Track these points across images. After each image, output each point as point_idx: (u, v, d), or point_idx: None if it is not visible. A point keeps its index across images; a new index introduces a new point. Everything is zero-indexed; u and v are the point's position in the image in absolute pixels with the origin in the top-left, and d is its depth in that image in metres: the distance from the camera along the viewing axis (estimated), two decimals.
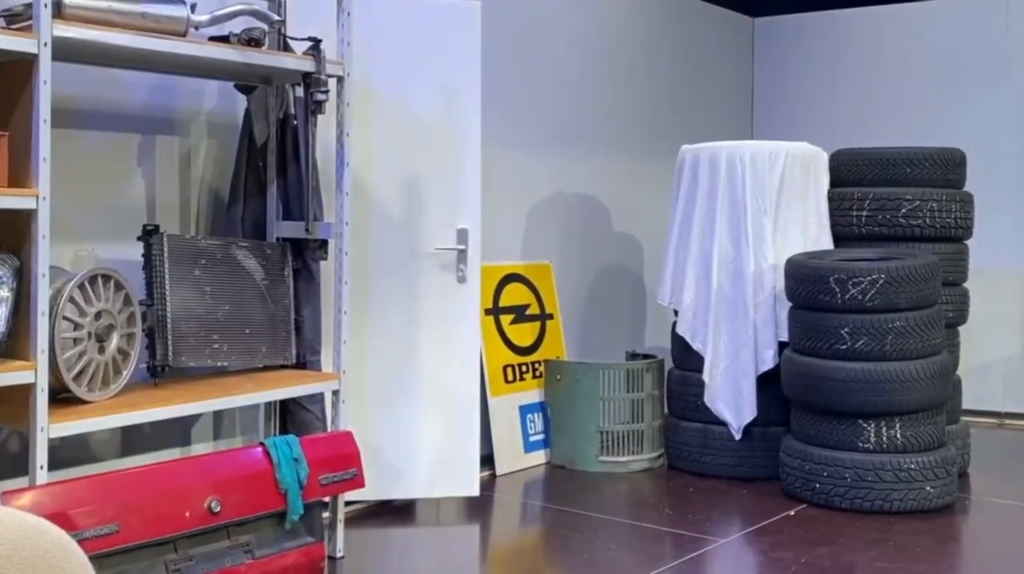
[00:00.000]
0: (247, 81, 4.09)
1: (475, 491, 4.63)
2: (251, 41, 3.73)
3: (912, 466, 4.65)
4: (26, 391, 3.06)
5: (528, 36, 5.79)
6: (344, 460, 3.81)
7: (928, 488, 4.67)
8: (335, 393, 3.99)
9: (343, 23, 3.96)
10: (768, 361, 5.25)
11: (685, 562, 4.06)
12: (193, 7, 3.54)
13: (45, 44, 3.06)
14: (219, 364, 3.87)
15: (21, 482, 3.22)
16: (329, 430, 4.05)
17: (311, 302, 4.19)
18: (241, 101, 4.17)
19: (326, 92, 3.86)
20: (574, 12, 6.18)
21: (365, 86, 4.32)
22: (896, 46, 7.35)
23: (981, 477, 5.36)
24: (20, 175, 3.10)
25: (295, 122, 4.12)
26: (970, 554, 4.41)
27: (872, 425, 4.70)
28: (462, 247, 4.66)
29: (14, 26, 3.15)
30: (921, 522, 4.54)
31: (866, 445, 4.70)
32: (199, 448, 4.14)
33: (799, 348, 4.97)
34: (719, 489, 5.14)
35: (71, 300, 3.26)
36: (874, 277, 4.74)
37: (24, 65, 3.07)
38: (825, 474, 4.74)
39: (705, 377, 5.33)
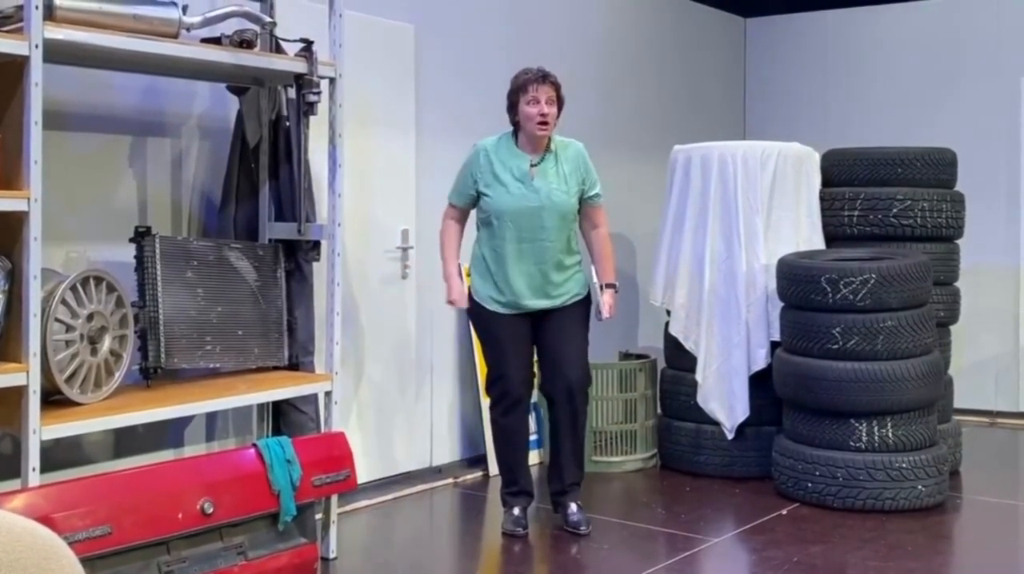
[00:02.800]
0: (239, 83, 4.09)
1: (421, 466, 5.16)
2: (243, 43, 3.73)
3: (904, 465, 4.67)
4: (18, 393, 3.06)
5: (518, 35, 5.80)
6: (337, 461, 3.81)
7: (920, 487, 4.68)
8: (328, 394, 3.99)
9: (335, 24, 3.97)
10: (760, 361, 5.26)
11: (678, 561, 4.07)
12: (185, 9, 3.54)
13: (36, 46, 3.06)
14: (212, 365, 3.87)
15: (13, 484, 3.21)
16: (322, 431, 4.05)
17: (304, 303, 4.19)
18: (233, 103, 4.17)
19: (318, 93, 3.86)
20: (565, 11, 6.19)
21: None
22: (888, 46, 7.37)
23: (973, 476, 5.38)
24: (11, 177, 3.10)
25: (287, 123, 4.12)
26: (962, 552, 4.42)
27: (864, 424, 4.71)
28: (407, 246, 5.10)
29: (5, 28, 3.14)
30: (913, 521, 4.56)
31: (858, 444, 4.72)
32: (192, 449, 4.14)
33: (791, 348, 4.98)
34: (712, 488, 5.15)
35: (63, 302, 3.26)
36: (865, 277, 4.75)
37: (15, 67, 3.07)
38: (817, 473, 4.75)
39: (698, 377, 5.34)
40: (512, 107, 4.29)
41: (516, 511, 4.40)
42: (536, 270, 4.26)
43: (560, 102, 4.29)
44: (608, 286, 4.44)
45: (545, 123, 4.20)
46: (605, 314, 4.40)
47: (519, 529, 4.36)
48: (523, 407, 4.41)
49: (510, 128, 4.37)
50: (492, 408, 4.48)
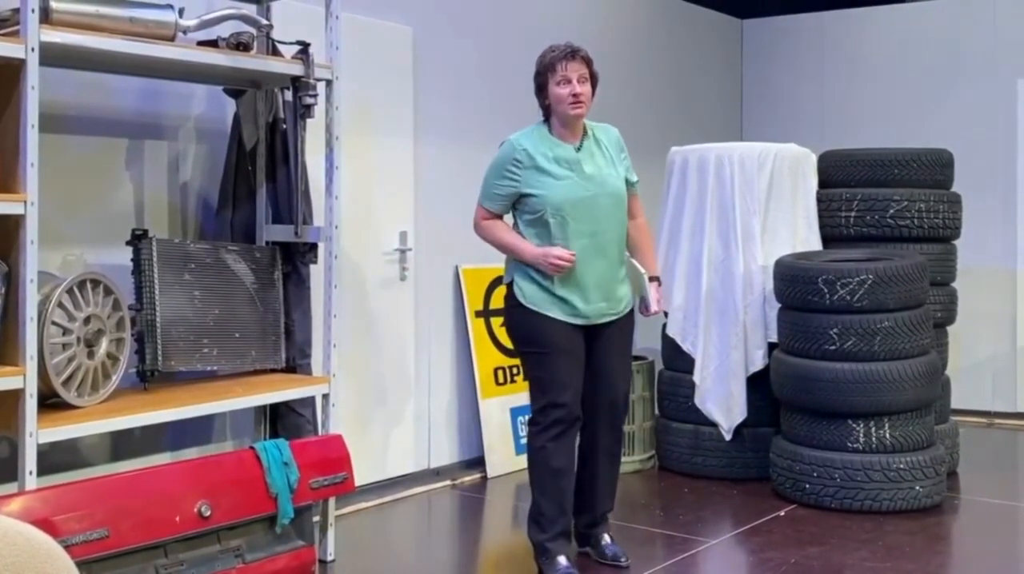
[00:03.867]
0: (236, 85, 4.09)
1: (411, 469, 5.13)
2: (239, 45, 3.73)
3: (901, 466, 4.67)
4: (15, 397, 3.06)
5: (515, 37, 5.80)
6: (334, 464, 3.81)
7: (917, 488, 4.68)
8: (325, 397, 3.99)
9: (331, 27, 3.97)
10: (758, 362, 5.26)
11: (676, 563, 4.07)
12: (181, 12, 3.54)
13: (33, 49, 3.06)
14: (209, 368, 3.87)
15: (10, 488, 3.21)
16: (319, 434, 4.05)
17: (301, 306, 4.19)
18: (229, 105, 4.17)
19: (315, 96, 3.87)
20: (562, 13, 6.19)
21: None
22: (884, 47, 7.38)
23: (970, 476, 5.38)
24: (8, 180, 3.10)
25: (284, 126, 4.12)
26: (959, 553, 4.42)
27: (861, 425, 4.71)
28: (405, 248, 5.08)
29: (1, 31, 3.14)
30: (911, 522, 4.56)
31: (855, 445, 4.72)
32: (189, 452, 4.14)
33: (788, 349, 4.98)
34: (710, 490, 5.16)
35: (60, 305, 3.26)
36: (862, 278, 4.75)
37: (11, 70, 3.07)
38: (815, 474, 4.75)
39: (695, 378, 5.34)
40: (540, 90, 3.84)
41: (563, 561, 3.81)
42: (603, 268, 3.79)
43: (594, 79, 3.84)
44: (652, 279, 4.02)
45: (579, 102, 3.75)
46: (654, 309, 3.96)
47: None
48: (577, 428, 3.86)
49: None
50: (541, 433, 3.80)
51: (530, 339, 3.82)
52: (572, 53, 3.80)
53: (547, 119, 3.87)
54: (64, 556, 1.25)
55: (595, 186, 3.78)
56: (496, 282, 5.60)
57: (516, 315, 3.85)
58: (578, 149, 3.83)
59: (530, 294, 3.79)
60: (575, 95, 3.75)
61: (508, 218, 3.94)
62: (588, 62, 3.83)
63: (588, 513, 4.03)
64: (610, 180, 3.83)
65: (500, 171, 3.81)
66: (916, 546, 4.24)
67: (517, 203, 3.83)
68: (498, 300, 5.58)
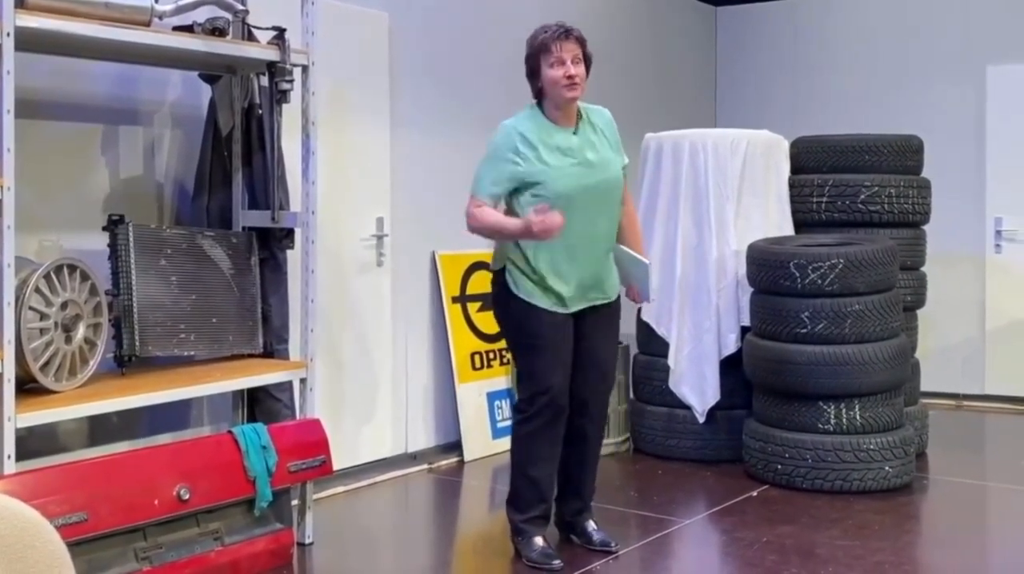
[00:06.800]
0: (211, 70, 4.09)
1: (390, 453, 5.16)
2: (215, 30, 3.74)
3: (871, 447, 4.75)
4: None
5: (491, 23, 5.82)
6: (312, 447, 3.85)
7: (887, 468, 4.77)
8: (303, 381, 4.01)
9: (307, 12, 3.98)
10: (731, 345, 5.32)
11: (650, 543, 4.13)
12: None
13: (8, 34, 3.06)
14: (186, 353, 3.88)
15: None
16: (297, 418, 4.07)
17: (278, 291, 4.20)
18: (205, 91, 4.17)
19: (291, 81, 3.88)
20: (535, 1, 6.21)
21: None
22: (855, 34, 7.45)
23: (939, 457, 5.47)
24: None
25: (260, 111, 4.13)
26: (928, 532, 4.51)
27: (832, 407, 4.79)
28: (382, 233, 5.09)
29: None
30: (880, 501, 4.64)
31: (826, 427, 4.79)
32: (167, 437, 4.15)
33: (760, 332, 5.05)
34: (684, 472, 5.22)
35: (37, 290, 3.26)
36: (833, 262, 4.82)
37: None
38: (787, 455, 4.82)
39: (670, 362, 5.40)
40: (533, 73, 3.73)
41: (540, 541, 3.83)
42: (596, 256, 3.74)
43: (587, 60, 3.75)
44: None
45: (574, 84, 3.65)
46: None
47: (555, 562, 3.77)
48: (564, 418, 3.81)
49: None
50: (525, 422, 3.79)
51: (520, 329, 3.77)
52: (565, 33, 3.69)
53: (540, 102, 3.77)
54: (51, 530, 1.28)
55: (598, 173, 3.71)
56: (473, 268, 5.63)
57: (506, 304, 3.79)
58: (574, 134, 3.75)
59: (522, 284, 3.72)
60: (570, 76, 3.64)
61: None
62: (582, 42, 3.73)
63: (576, 500, 4.01)
64: (611, 166, 3.76)
65: (500, 156, 3.68)
66: (886, 525, 4.32)
67: (515, 194, 3.70)
68: (475, 286, 5.63)
